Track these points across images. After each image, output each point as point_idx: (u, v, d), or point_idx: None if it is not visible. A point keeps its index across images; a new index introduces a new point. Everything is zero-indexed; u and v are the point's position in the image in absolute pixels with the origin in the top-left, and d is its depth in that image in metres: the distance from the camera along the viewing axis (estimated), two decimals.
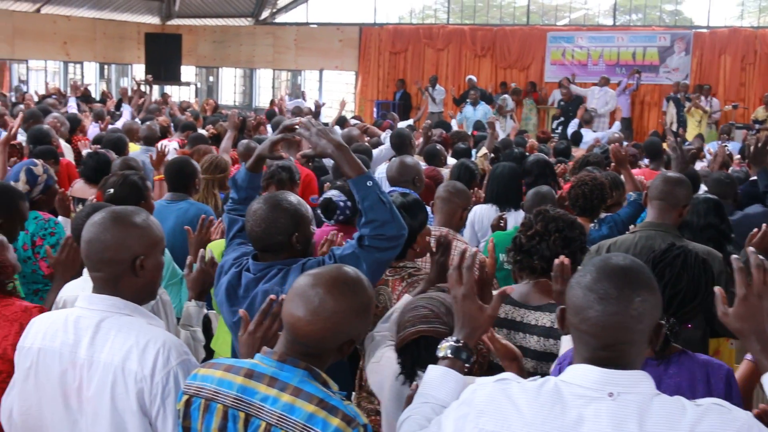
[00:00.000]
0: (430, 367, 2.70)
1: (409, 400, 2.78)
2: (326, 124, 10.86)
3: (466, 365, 2.68)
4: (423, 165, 7.49)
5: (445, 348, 2.70)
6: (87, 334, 2.80)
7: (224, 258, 3.78)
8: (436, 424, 2.42)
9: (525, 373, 3.07)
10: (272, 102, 22.59)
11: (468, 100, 19.31)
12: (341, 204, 5.07)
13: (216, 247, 4.63)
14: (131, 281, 2.86)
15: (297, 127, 3.81)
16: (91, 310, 2.85)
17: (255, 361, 2.60)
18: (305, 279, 2.59)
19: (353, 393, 4.18)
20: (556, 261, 3.51)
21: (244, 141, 8.76)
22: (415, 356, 3.19)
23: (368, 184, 3.48)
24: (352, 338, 2.60)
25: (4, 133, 8.99)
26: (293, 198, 3.60)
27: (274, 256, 3.54)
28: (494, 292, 2.80)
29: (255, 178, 3.99)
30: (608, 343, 2.20)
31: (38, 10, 26.43)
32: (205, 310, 4.00)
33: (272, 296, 2.97)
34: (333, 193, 5.14)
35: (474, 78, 21.58)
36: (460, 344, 2.69)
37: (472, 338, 2.72)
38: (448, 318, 3.13)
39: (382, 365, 3.45)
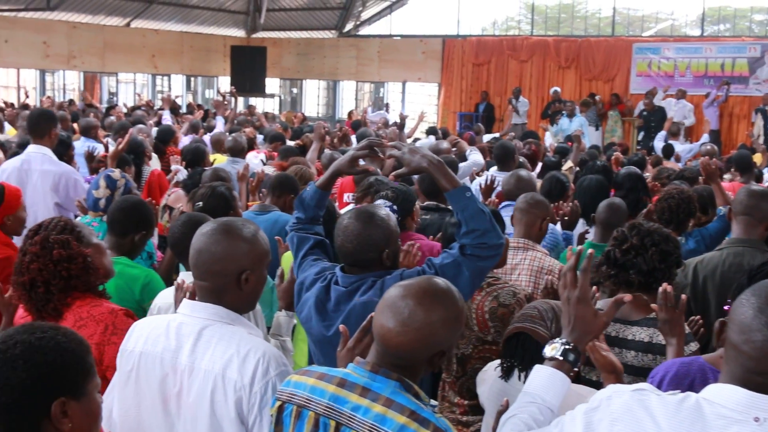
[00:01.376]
0: (537, 366, 2.67)
1: (499, 415, 2.76)
2: (417, 139, 10.91)
3: (574, 369, 2.65)
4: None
5: (553, 349, 2.66)
6: (189, 340, 2.85)
7: (303, 275, 3.76)
8: (557, 426, 2.37)
9: None
10: (350, 114, 22.72)
11: (564, 112, 19.14)
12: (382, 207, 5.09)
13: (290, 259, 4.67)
14: (235, 293, 2.89)
15: (379, 146, 3.84)
16: (193, 317, 2.90)
17: (347, 370, 2.60)
18: (395, 290, 2.58)
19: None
20: (660, 289, 3.47)
21: (328, 152, 8.81)
22: (513, 352, 3.20)
23: (467, 195, 3.47)
24: (442, 350, 2.57)
25: (97, 145, 9.25)
26: (384, 213, 3.61)
27: (362, 270, 3.54)
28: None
29: (324, 197, 3.96)
30: (767, 370, 2.11)
31: (128, 25, 27.04)
32: (295, 320, 4.03)
33: (372, 315, 2.97)
34: (380, 202, 5.18)
35: (559, 89, 21.44)
36: (570, 346, 2.64)
37: (582, 342, 2.68)
38: (552, 325, 3.13)
39: (488, 373, 3.46)
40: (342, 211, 5.33)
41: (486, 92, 25.15)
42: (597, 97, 21.71)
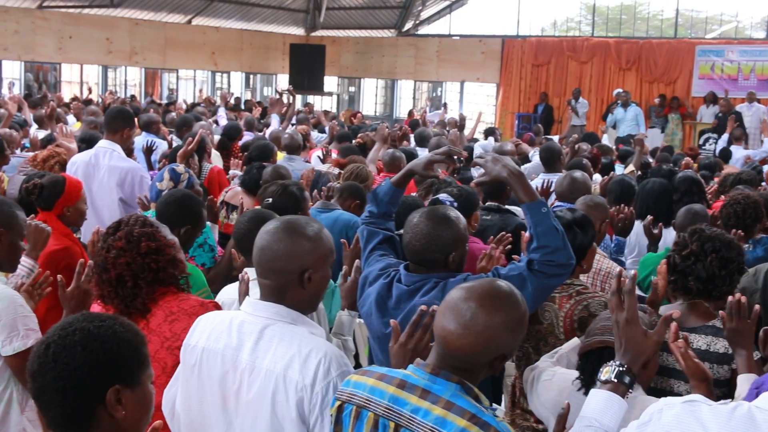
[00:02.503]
0: (593, 391, 2.68)
1: (561, 419, 2.75)
2: (475, 140, 10.85)
3: (629, 390, 2.65)
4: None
5: (608, 372, 2.68)
6: (250, 339, 2.85)
7: (368, 269, 3.79)
8: None
9: (714, 396, 2.99)
10: (410, 113, 22.72)
11: (618, 102, 18.97)
12: (447, 204, 5.08)
13: None
14: (297, 292, 2.88)
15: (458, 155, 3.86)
16: (255, 316, 2.89)
17: (408, 372, 2.59)
18: (458, 292, 2.57)
19: (502, 409, 4.14)
20: (731, 298, 3.41)
21: (389, 150, 8.81)
22: (595, 365, 3.15)
23: (542, 210, 3.44)
24: (503, 354, 2.55)
25: (156, 140, 9.35)
26: (454, 215, 3.60)
27: (427, 270, 3.54)
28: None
29: (398, 194, 4.00)
30: None
31: (189, 22, 27.32)
32: (357, 320, 4.04)
33: (423, 307, 2.95)
34: (442, 196, 5.16)
35: (621, 91, 21.10)
36: (624, 368, 2.66)
37: (636, 363, 2.70)
38: None
39: (554, 382, 3.42)
40: None
41: (545, 93, 25.01)
42: (656, 100, 21.43)
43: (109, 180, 6.55)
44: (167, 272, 3.47)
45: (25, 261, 4.22)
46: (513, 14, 26.52)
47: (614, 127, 18.76)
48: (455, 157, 3.95)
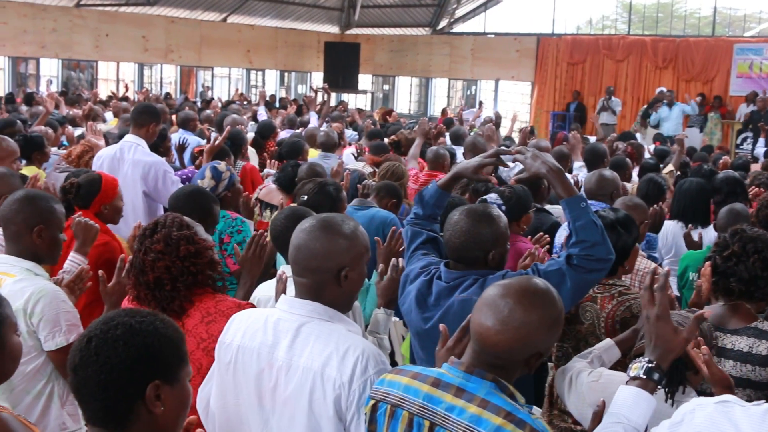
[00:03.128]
0: (622, 387, 2.66)
1: (596, 416, 2.72)
2: (509, 138, 10.79)
3: (659, 387, 2.63)
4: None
5: (637, 368, 2.67)
6: (286, 337, 2.84)
7: (409, 267, 3.79)
8: None
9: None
10: (443, 111, 22.68)
11: (664, 101, 18.82)
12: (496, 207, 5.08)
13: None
14: (334, 290, 2.86)
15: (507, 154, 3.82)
16: (291, 313, 2.88)
17: (442, 370, 2.59)
18: (495, 289, 2.56)
19: (540, 410, 4.11)
20: None
21: (434, 148, 8.80)
22: None
23: (581, 205, 3.43)
24: (540, 351, 2.54)
25: (189, 136, 9.40)
26: (495, 212, 3.60)
27: (467, 267, 3.54)
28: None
29: (444, 197, 3.97)
30: None
31: (224, 20, 27.46)
32: (394, 318, 4.03)
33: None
34: (492, 197, 5.13)
35: (664, 89, 20.87)
36: (653, 365, 2.64)
37: (665, 360, 2.68)
38: None
39: (601, 383, 3.40)
40: None
41: (578, 92, 24.91)
42: (697, 98, 21.20)
43: (133, 173, 6.60)
44: (205, 275, 3.49)
45: (74, 257, 4.27)
46: (548, 12, 26.44)
47: (657, 126, 18.59)
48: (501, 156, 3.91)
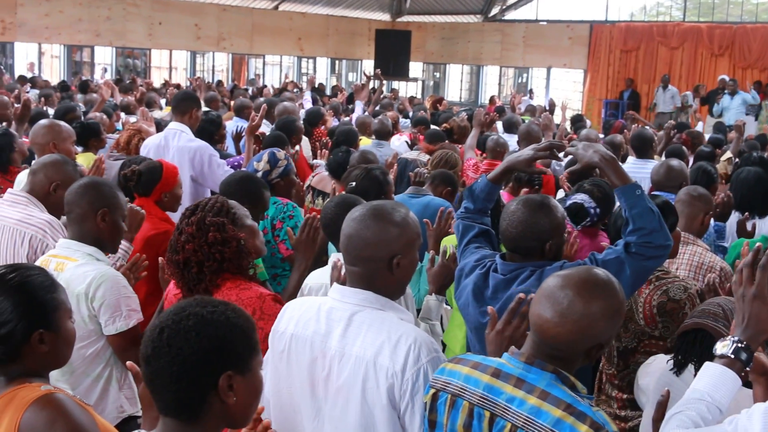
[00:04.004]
0: (707, 364, 2.61)
1: (660, 406, 2.69)
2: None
3: (746, 368, 2.58)
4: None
5: (725, 346, 2.60)
6: (339, 326, 2.84)
7: (463, 261, 3.76)
8: (730, 424, 2.30)
9: None
10: (492, 99, 22.56)
11: (726, 90, 18.54)
12: (591, 210, 5.10)
13: (450, 241, 4.64)
14: (386, 278, 2.85)
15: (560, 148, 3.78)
16: (343, 302, 2.88)
17: (502, 360, 2.57)
18: (554, 280, 2.53)
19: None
20: None
21: (493, 137, 8.76)
22: (688, 348, 3.13)
23: (637, 192, 3.39)
24: (600, 343, 2.51)
25: (246, 124, 9.43)
26: (552, 202, 3.57)
27: (523, 258, 3.51)
28: None
29: (495, 190, 3.92)
30: None
31: (276, 8, 27.57)
32: (445, 305, 4.01)
33: (521, 295, 2.92)
34: (583, 198, 5.10)
35: (726, 77, 20.57)
36: (742, 345, 2.57)
37: (756, 341, 2.60)
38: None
39: (653, 366, 3.38)
40: None
41: (631, 79, 24.65)
42: (751, 87, 20.82)
43: (180, 160, 6.63)
44: (232, 263, 3.49)
45: (122, 243, 4.30)
46: None
47: (720, 115, 18.33)
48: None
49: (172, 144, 6.78)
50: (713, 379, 2.54)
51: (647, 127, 11.23)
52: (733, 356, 2.55)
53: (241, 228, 3.57)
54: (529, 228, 3.45)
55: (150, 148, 6.89)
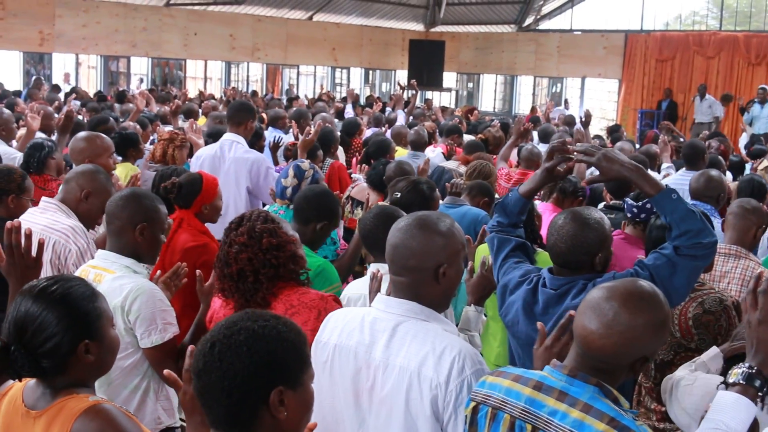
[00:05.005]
0: (721, 392, 2.57)
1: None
2: (599, 137, 10.57)
3: (759, 394, 2.53)
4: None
5: (736, 374, 2.56)
6: (383, 336, 2.84)
7: (506, 277, 3.73)
8: None
9: None
10: (533, 109, 22.49)
11: (755, 99, 18.37)
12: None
13: (486, 252, 4.62)
14: (431, 288, 2.86)
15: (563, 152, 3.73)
16: (388, 313, 2.88)
17: (544, 373, 2.56)
18: (599, 292, 2.51)
19: None
20: None
21: (528, 146, 8.73)
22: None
23: (673, 197, 3.37)
24: (645, 355, 2.49)
25: (282, 134, 9.48)
26: (599, 215, 3.55)
27: (571, 272, 3.50)
28: None
29: (527, 205, 3.90)
30: None
31: (310, 18, 27.68)
32: (484, 317, 3.99)
33: (571, 312, 2.88)
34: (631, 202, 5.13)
35: (767, 87, 20.32)
36: (754, 371, 2.53)
37: (767, 366, 2.56)
38: None
39: (696, 386, 3.33)
40: None
41: (669, 89, 24.44)
42: None
43: (236, 171, 6.69)
44: (287, 268, 3.52)
45: None
46: (637, 8, 26.00)
47: (750, 124, 18.17)
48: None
49: (228, 155, 6.83)
50: (728, 407, 2.50)
51: (682, 138, 11.17)
52: (745, 383, 2.52)
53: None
54: (578, 242, 3.44)
55: (204, 158, 6.94)
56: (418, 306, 2.85)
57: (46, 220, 4.52)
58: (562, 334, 2.89)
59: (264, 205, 6.65)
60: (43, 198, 4.73)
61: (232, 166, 6.74)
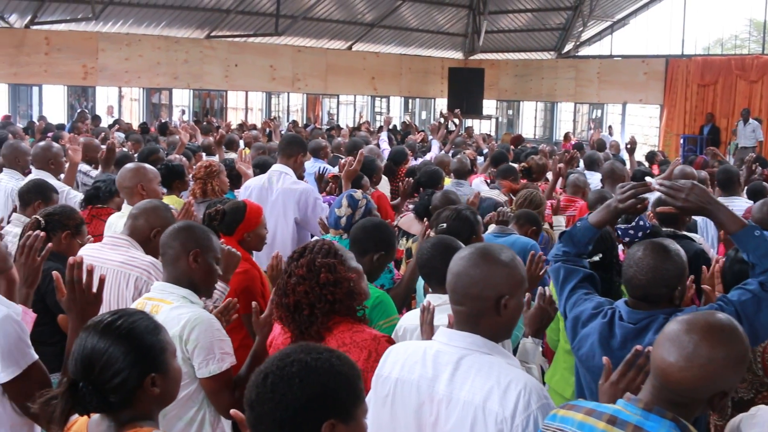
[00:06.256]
0: None
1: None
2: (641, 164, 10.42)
3: None
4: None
5: None
6: (446, 370, 2.79)
7: (577, 309, 3.67)
8: None
9: None
10: (567, 135, 22.39)
11: None
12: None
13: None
14: (492, 319, 2.82)
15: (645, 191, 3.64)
16: (450, 346, 2.84)
17: (617, 407, 2.50)
18: (678, 324, 2.46)
19: None
20: None
21: (575, 174, 8.68)
22: None
23: (756, 233, 3.31)
24: (724, 390, 2.44)
25: (324, 164, 9.48)
26: (676, 246, 3.50)
27: (651, 306, 3.43)
28: None
29: (597, 234, 3.80)
30: None
31: (350, 48, 27.87)
32: (541, 348, 3.92)
33: (638, 347, 2.85)
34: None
35: None
36: None
37: None
38: None
39: (758, 416, 3.25)
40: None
41: (711, 114, 24.25)
42: None
43: (284, 202, 6.69)
44: (344, 304, 3.49)
45: (218, 284, 4.30)
46: (677, 33, 25.87)
47: None
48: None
49: (276, 186, 6.87)
50: None
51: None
52: None
53: (348, 270, 3.55)
54: (659, 275, 3.39)
55: (253, 189, 6.99)
56: (481, 339, 2.81)
57: (121, 257, 4.54)
58: (628, 370, 2.83)
59: (312, 236, 6.65)
60: (108, 234, 4.75)
61: (280, 197, 6.77)
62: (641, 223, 4.84)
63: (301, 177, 7.73)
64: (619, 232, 4.92)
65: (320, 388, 2.14)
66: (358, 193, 5.80)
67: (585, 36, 28.58)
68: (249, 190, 6.98)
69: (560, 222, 7.68)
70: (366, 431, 2.27)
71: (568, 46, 28.78)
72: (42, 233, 3.75)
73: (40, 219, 4.77)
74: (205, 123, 19.62)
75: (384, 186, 9.42)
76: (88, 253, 4.57)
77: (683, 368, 2.37)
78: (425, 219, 6.06)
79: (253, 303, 3.81)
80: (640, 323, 3.40)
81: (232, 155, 10.65)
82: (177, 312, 3.66)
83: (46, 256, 3.67)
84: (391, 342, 3.46)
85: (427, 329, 3.60)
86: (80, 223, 5.00)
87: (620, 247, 5.17)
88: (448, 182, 9.39)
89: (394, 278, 5.41)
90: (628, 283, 3.49)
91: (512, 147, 15.55)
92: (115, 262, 4.46)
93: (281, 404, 2.12)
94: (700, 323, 2.43)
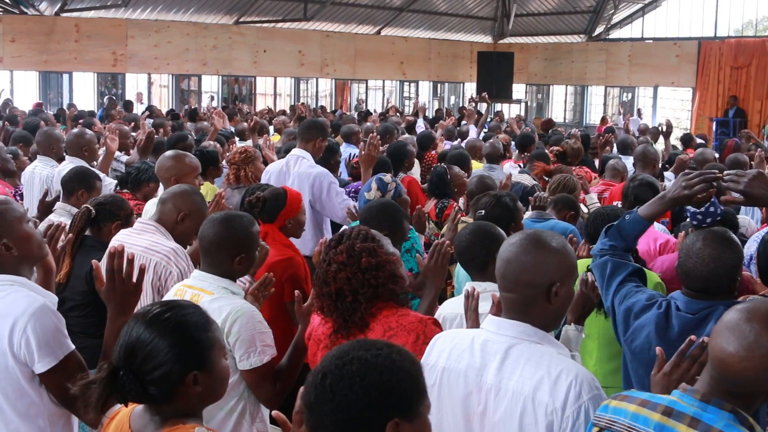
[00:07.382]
0: None
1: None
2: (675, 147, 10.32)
3: None
4: None
5: None
6: (495, 359, 2.73)
7: (629, 301, 3.59)
8: None
9: None
10: (603, 119, 22.20)
11: None
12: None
13: (581, 266, 4.48)
14: (542, 307, 2.75)
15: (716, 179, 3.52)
16: (499, 335, 2.78)
17: (673, 398, 2.42)
18: (737, 313, 2.37)
19: None
20: None
21: (613, 160, 8.59)
22: None
23: None
24: None
25: (356, 150, 9.44)
26: (733, 236, 3.43)
27: (710, 297, 3.37)
28: None
29: (646, 228, 3.71)
30: None
31: (378, 32, 27.77)
32: (583, 335, 3.85)
33: (692, 337, 2.78)
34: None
35: None
36: None
37: None
38: None
39: None
40: None
41: (735, 96, 23.98)
42: None
43: (299, 186, 6.64)
44: (387, 288, 3.42)
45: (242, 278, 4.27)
46: (710, 15, 25.55)
47: None
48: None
49: (293, 170, 6.83)
50: None
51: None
52: None
53: (387, 254, 3.50)
54: (722, 265, 3.33)
55: (271, 173, 6.96)
56: (531, 328, 2.75)
57: (145, 242, 4.51)
58: (681, 360, 2.76)
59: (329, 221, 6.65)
60: (138, 219, 4.72)
61: (295, 181, 6.72)
62: (710, 209, 4.75)
63: (328, 160, 7.70)
64: (690, 216, 4.82)
65: (382, 386, 2.05)
66: (387, 176, 5.78)
67: (616, 18, 28.32)
68: (269, 175, 6.96)
69: (593, 199, 7.58)
70: (430, 429, 2.18)
71: (599, 29, 28.53)
72: (63, 223, 3.71)
73: (91, 209, 4.77)
74: (231, 107, 19.63)
75: (416, 171, 9.36)
76: (118, 238, 4.57)
77: (744, 358, 2.29)
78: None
79: (296, 291, 3.76)
80: (700, 313, 3.33)
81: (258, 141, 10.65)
82: (218, 304, 3.62)
83: (68, 247, 3.62)
84: (438, 324, 3.41)
85: (473, 316, 3.52)
86: (130, 214, 4.98)
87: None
88: (480, 166, 9.32)
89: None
90: (686, 275, 3.41)
91: (542, 131, 15.45)
92: (139, 247, 4.41)
93: (342, 405, 2.03)
94: (761, 312, 2.34)
